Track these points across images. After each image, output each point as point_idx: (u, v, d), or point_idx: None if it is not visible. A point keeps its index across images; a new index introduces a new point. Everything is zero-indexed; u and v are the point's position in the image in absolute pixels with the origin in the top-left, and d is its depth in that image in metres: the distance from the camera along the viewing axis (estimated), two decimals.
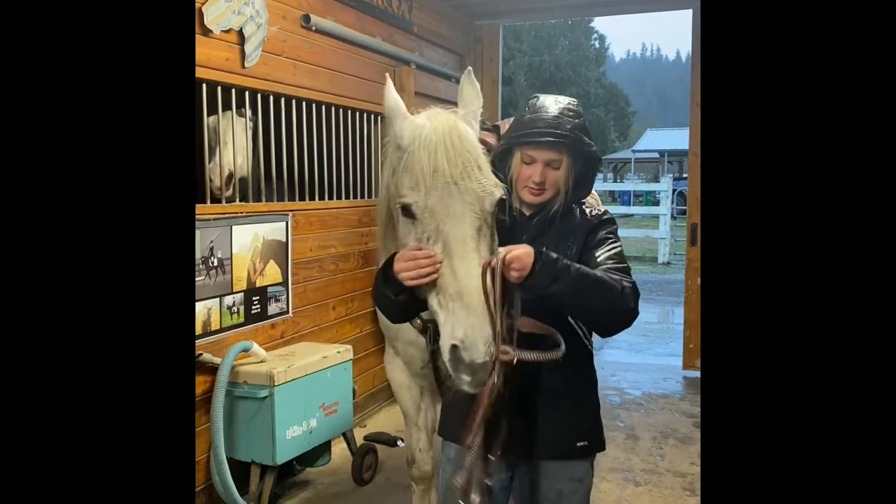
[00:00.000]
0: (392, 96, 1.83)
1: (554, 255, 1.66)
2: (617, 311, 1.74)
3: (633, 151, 32.75)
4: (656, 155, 31.46)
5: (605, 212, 1.99)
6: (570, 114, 1.89)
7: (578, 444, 1.89)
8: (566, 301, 1.69)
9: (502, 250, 1.61)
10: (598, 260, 1.82)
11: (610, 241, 1.89)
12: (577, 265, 1.70)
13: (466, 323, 1.56)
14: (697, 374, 5.73)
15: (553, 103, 1.92)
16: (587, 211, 1.96)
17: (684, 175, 16.86)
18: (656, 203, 14.36)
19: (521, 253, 1.60)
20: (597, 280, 1.71)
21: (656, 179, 23.18)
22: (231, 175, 3.57)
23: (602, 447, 1.98)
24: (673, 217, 14.63)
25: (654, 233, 14.28)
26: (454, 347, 1.55)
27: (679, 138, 23.34)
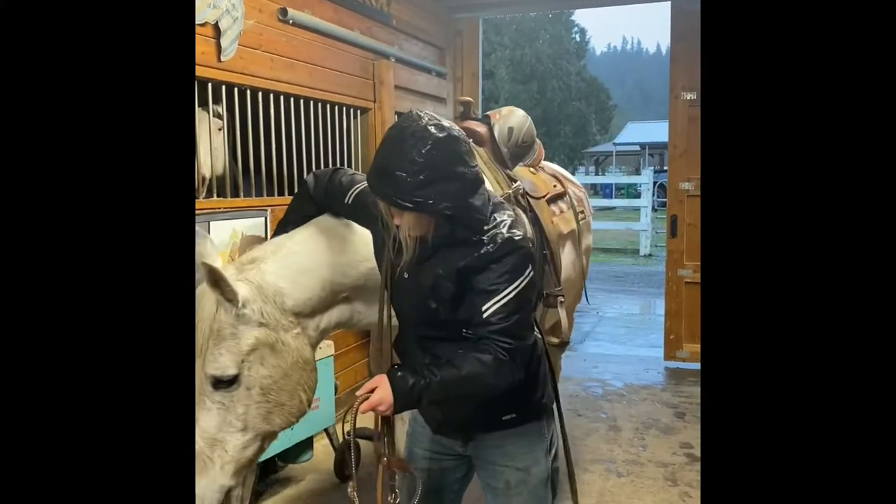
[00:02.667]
0: (205, 254, 1.95)
1: (410, 379, 1.64)
2: (493, 390, 1.69)
3: (615, 144, 32.85)
4: (637, 148, 31.60)
5: (511, 238, 1.69)
6: (415, 167, 1.60)
7: (505, 418, 1.84)
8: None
9: (363, 394, 1.73)
10: (484, 316, 1.66)
11: (503, 286, 1.66)
12: (438, 375, 1.64)
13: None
14: (678, 364, 5.78)
15: (403, 149, 1.62)
16: (490, 236, 1.69)
17: (665, 167, 16.97)
18: (637, 195, 14.43)
19: (380, 397, 1.67)
20: (462, 379, 1.64)
21: (637, 172, 23.30)
22: (204, 178, 3.53)
23: (531, 416, 1.88)
24: (654, 209, 14.72)
25: (635, 225, 14.38)
26: None
27: (659, 131, 23.41)
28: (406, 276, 1.79)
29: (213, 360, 1.87)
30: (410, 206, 1.63)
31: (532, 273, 1.72)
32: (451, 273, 1.70)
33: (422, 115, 1.70)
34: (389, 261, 1.84)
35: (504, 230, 1.70)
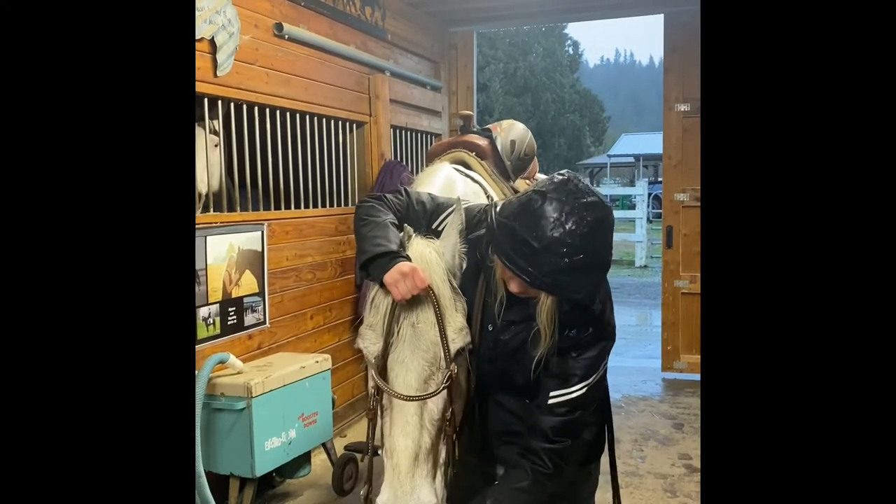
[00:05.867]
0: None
1: None
2: None
3: (609, 156, 32.96)
4: (632, 159, 31.71)
5: (606, 328, 1.61)
6: (564, 248, 1.38)
7: None
8: None
9: None
10: (549, 402, 1.58)
11: (579, 374, 1.59)
12: None
13: (391, 486, 1.49)
14: (676, 375, 5.77)
15: (550, 224, 1.39)
16: (592, 320, 1.61)
17: (659, 179, 17.06)
18: (632, 207, 14.47)
19: None
20: None
21: (632, 183, 23.36)
22: (200, 194, 3.54)
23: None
24: (649, 221, 14.75)
25: (630, 236, 14.39)
26: None
27: (653, 142, 23.54)
28: (490, 328, 1.67)
29: (459, 332, 1.59)
30: (547, 288, 1.45)
31: (606, 362, 1.63)
32: (539, 341, 1.59)
33: (575, 181, 1.46)
34: (481, 306, 1.68)
35: (605, 314, 1.61)
